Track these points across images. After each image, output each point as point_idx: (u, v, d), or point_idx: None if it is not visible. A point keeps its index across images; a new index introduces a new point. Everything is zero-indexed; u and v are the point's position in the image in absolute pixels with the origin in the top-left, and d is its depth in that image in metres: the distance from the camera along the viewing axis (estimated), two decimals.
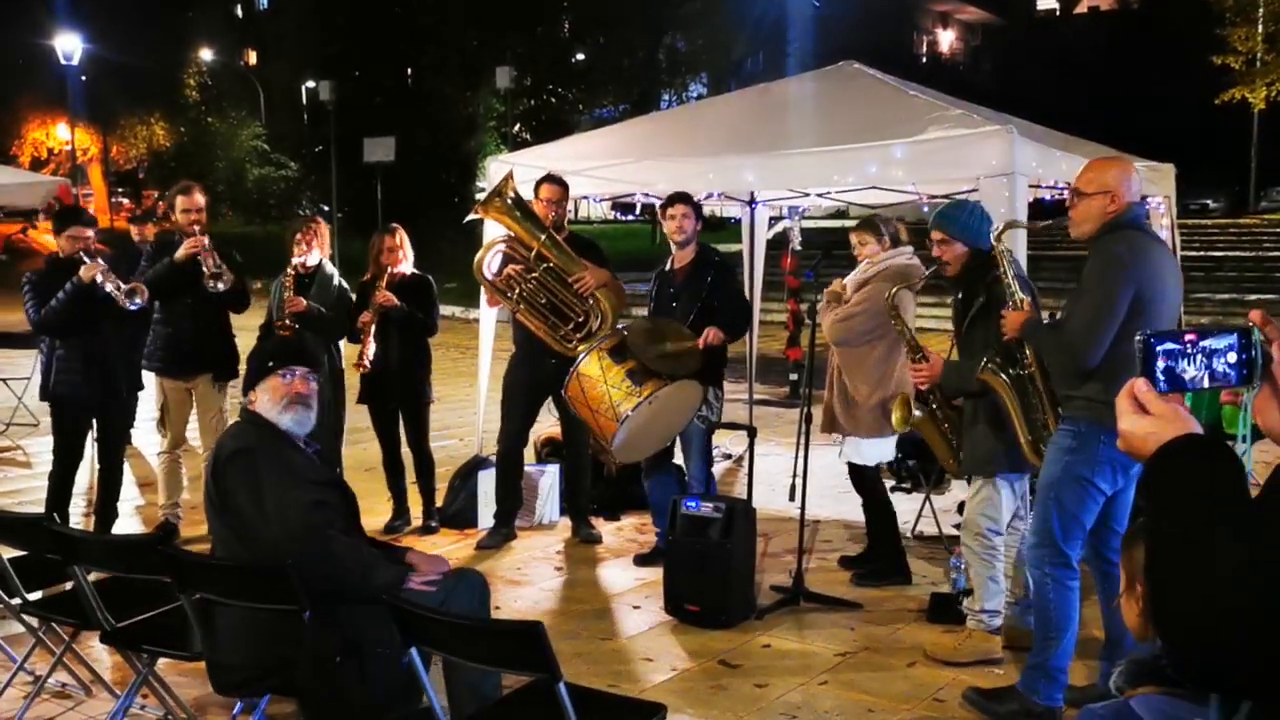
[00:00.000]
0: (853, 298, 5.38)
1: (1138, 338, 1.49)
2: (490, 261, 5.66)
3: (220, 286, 5.74)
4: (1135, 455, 1.47)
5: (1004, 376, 4.21)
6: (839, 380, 5.44)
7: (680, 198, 5.73)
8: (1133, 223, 3.81)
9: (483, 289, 5.94)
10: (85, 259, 5.44)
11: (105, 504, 5.94)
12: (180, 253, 5.75)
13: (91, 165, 38.68)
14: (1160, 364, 1.48)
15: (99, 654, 4.33)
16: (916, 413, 4.72)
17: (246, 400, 3.63)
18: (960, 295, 4.56)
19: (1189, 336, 1.48)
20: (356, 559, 3.37)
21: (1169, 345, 1.48)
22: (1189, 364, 1.48)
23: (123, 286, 5.44)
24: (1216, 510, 1.36)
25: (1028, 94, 24.58)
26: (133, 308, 5.46)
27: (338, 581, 3.30)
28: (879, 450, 5.50)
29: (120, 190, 41.68)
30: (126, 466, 8.16)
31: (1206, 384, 1.49)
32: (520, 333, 5.98)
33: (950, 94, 6.65)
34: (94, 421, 5.83)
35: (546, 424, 6.77)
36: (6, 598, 3.92)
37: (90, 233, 5.64)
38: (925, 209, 7.54)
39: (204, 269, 5.72)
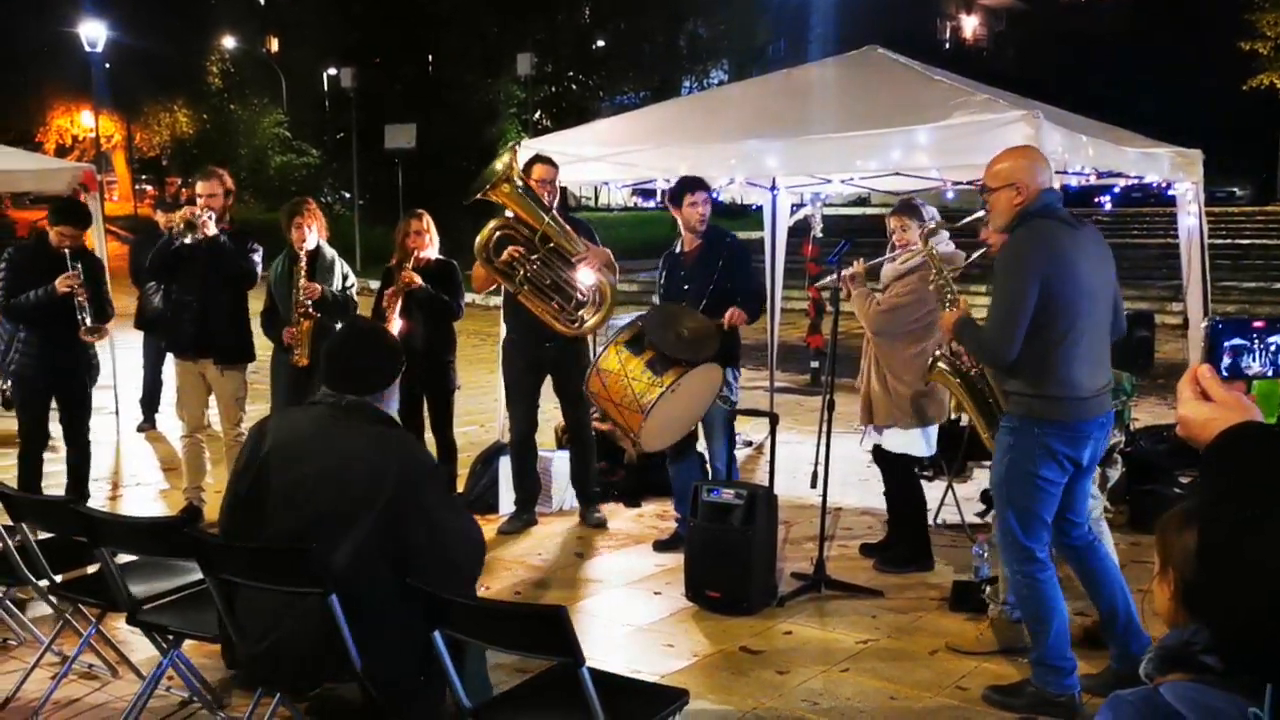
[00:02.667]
0: (895, 287, 5.27)
1: (1204, 324, 1.50)
2: (490, 244, 5.65)
3: (188, 239, 5.76)
4: (1193, 441, 1.46)
5: (955, 377, 4.20)
6: (878, 371, 5.36)
7: (698, 184, 5.68)
8: (1042, 211, 3.76)
9: (474, 272, 5.88)
10: (69, 262, 5.62)
11: (76, 485, 5.98)
12: (175, 225, 5.85)
13: (116, 152, 38.92)
14: (1226, 359, 1.48)
15: (125, 635, 4.36)
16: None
17: (377, 399, 3.19)
18: None
19: (1257, 324, 1.48)
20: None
21: (1236, 340, 1.48)
22: (1254, 359, 1.48)
23: (89, 314, 5.64)
24: (1275, 497, 1.34)
25: (1052, 79, 24.36)
26: (86, 337, 5.72)
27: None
28: (923, 441, 5.40)
29: (144, 177, 41.92)
30: (150, 449, 8.32)
31: (1270, 375, 1.49)
32: (514, 317, 5.99)
33: (974, 79, 6.59)
34: (54, 401, 5.95)
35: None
36: (34, 579, 3.96)
37: (79, 233, 5.77)
38: (948, 195, 7.49)
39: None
